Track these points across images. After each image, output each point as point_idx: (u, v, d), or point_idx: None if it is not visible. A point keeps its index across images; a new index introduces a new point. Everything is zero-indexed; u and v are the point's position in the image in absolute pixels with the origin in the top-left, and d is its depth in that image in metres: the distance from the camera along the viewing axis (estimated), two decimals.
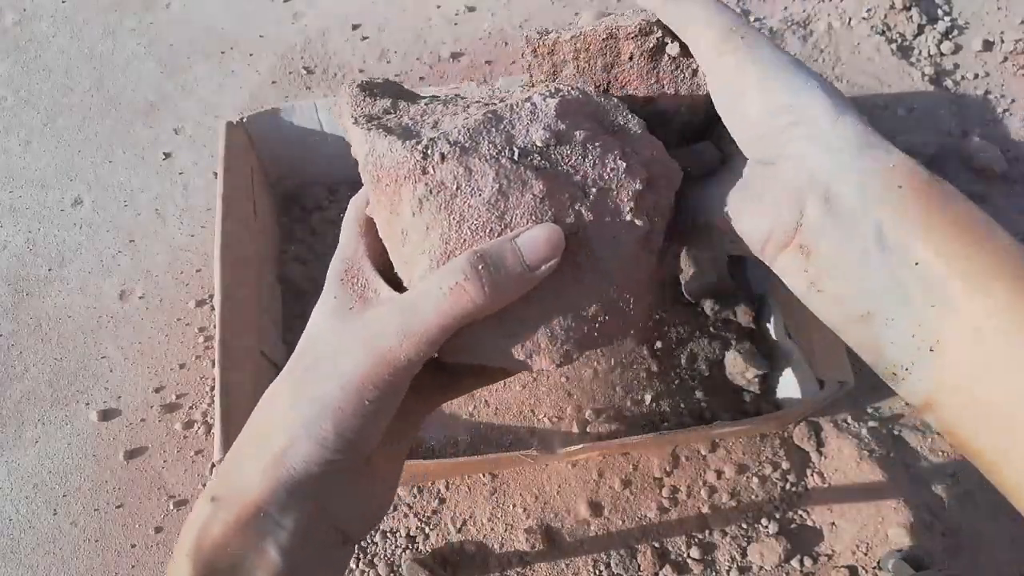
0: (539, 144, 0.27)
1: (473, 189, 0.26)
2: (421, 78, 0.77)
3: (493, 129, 0.27)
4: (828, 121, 0.26)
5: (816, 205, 0.26)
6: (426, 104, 0.31)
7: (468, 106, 0.30)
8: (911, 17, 0.79)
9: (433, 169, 0.26)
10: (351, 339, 0.27)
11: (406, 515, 0.52)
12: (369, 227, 0.30)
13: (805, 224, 0.26)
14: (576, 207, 0.27)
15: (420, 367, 0.27)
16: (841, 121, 0.26)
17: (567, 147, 0.27)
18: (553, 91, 0.28)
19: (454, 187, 0.26)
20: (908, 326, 0.25)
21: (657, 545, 0.51)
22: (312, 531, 0.27)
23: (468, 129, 0.27)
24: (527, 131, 0.27)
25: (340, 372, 0.26)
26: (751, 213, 0.28)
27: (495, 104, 0.29)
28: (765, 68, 0.27)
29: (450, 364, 0.30)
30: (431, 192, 0.26)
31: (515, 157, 0.27)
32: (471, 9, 0.83)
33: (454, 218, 0.26)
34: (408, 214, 0.27)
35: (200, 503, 0.27)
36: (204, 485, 0.54)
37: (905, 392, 0.26)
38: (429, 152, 0.26)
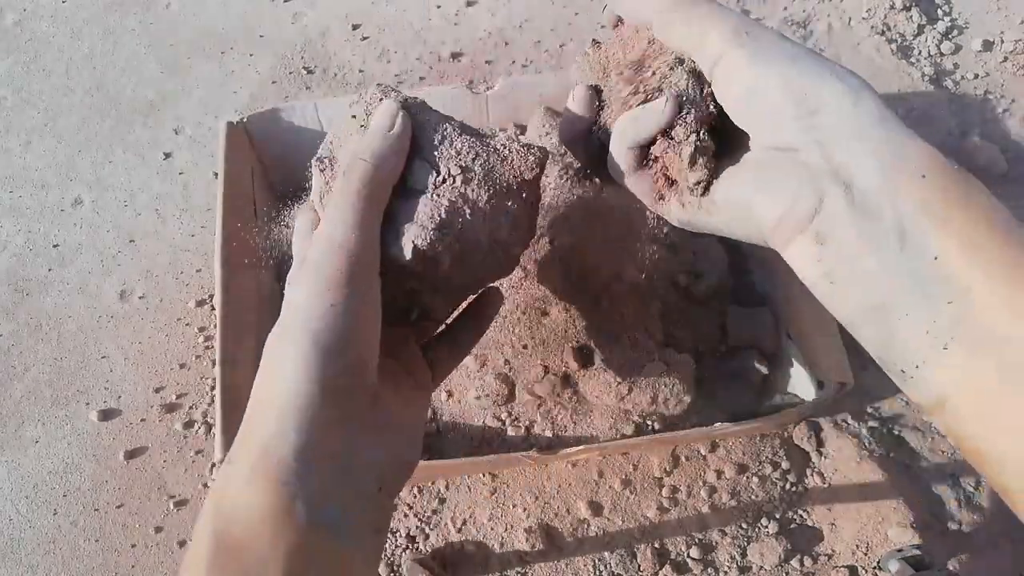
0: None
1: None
2: (421, 78, 0.77)
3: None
4: (848, 107, 0.26)
5: (836, 194, 0.25)
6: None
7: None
8: (911, 17, 0.79)
9: None
10: (300, 277, 0.29)
11: (406, 515, 0.52)
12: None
13: (823, 212, 0.26)
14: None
15: (374, 257, 0.29)
16: (861, 107, 0.26)
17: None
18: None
19: None
20: (922, 321, 0.24)
21: (657, 545, 0.51)
22: (337, 475, 0.27)
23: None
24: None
25: (300, 296, 0.28)
26: (765, 195, 0.28)
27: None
28: (780, 57, 0.27)
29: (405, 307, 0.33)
30: None
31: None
32: (471, 3, 0.83)
33: None
34: None
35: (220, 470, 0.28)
36: (205, 485, 0.54)
37: (913, 390, 0.25)
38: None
